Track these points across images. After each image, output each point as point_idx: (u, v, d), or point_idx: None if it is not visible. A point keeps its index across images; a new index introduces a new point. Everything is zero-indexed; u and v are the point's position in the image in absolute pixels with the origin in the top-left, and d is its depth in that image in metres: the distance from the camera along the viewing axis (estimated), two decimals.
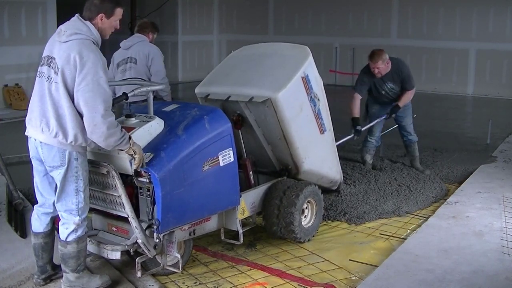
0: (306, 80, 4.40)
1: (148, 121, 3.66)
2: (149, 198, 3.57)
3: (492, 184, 5.84)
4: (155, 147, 3.54)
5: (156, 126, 3.67)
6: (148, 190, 3.57)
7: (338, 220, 5.04)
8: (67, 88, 3.24)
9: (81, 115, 3.26)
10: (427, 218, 4.97)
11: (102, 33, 3.40)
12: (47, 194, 3.52)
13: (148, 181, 3.46)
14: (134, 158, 3.37)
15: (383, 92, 6.28)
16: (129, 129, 3.57)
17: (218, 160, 3.77)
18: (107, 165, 3.46)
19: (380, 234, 4.74)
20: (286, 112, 4.27)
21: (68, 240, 3.42)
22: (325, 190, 5.49)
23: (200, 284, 3.81)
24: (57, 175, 3.36)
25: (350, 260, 4.20)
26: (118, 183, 3.42)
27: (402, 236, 4.66)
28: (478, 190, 5.63)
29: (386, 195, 5.54)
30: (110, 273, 3.81)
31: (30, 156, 3.49)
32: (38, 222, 3.59)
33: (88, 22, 3.35)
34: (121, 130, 3.32)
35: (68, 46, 3.25)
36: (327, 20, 14.86)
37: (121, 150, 3.37)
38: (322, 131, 4.72)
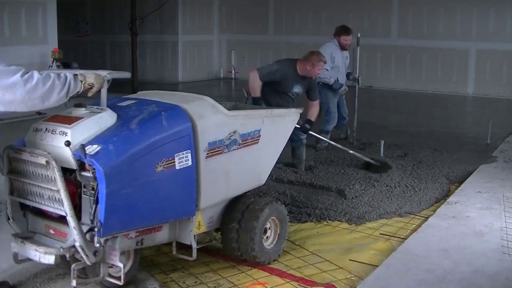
0: (211, 149, 3.63)
1: (99, 112, 3.30)
2: (93, 197, 3.13)
3: (492, 184, 5.85)
4: (104, 139, 3.17)
5: (107, 117, 3.29)
6: (93, 189, 3.13)
7: (338, 220, 5.03)
8: None
9: None
10: (428, 218, 4.97)
11: None
12: None
13: (92, 176, 3.05)
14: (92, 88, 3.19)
15: (284, 95, 5.86)
16: (77, 119, 3.24)
17: (174, 162, 3.36)
18: (46, 154, 3.08)
19: (380, 234, 4.73)
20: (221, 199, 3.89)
21: None
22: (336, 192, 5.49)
23: (200, 284, 3.80)
24: None
25: (350, 260, 4.20)
26: (57, 175, 3.04)
27: (402, 236, 4.66)
28: (478, 190, 5.63)
29: (392, 196, 5.51)
30: None
31: None
32: None
33: None
34: (59, 77, 3.08)
35: None
36: (327, 20, 14.84)
37: (78, 92, 3.14)
38: (257, 141, 4.03)
